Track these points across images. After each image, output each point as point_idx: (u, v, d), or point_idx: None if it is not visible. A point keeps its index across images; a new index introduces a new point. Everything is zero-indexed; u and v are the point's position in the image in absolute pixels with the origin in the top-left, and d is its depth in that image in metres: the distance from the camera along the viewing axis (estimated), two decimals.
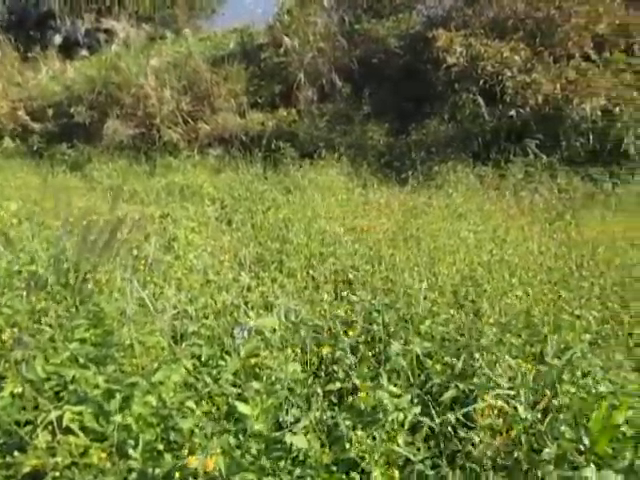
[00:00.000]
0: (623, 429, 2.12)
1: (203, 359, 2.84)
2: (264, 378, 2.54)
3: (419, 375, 2.81)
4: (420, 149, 9.99)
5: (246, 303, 3.61)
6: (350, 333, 3.08)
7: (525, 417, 2.13)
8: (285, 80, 12.75)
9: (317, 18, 12.70)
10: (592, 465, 1.87)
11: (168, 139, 12.54)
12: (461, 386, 2.54)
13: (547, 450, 2.00)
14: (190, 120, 13.06)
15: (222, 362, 2.86)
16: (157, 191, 9.05)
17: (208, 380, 2.69)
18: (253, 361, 2.73)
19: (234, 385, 2.67)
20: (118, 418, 2.39)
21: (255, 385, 2.43)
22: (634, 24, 10.50)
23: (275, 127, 12.23)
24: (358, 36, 12.16)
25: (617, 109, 9.42)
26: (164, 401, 2.57)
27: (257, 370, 2.69)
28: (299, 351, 3.02)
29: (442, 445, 2.33)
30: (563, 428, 2.12)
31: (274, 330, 3.02)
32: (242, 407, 2.34)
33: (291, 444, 2.25)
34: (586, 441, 2.02)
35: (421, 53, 10.97)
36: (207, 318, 3.35)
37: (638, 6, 11.85)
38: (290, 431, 2.23)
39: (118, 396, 2.52)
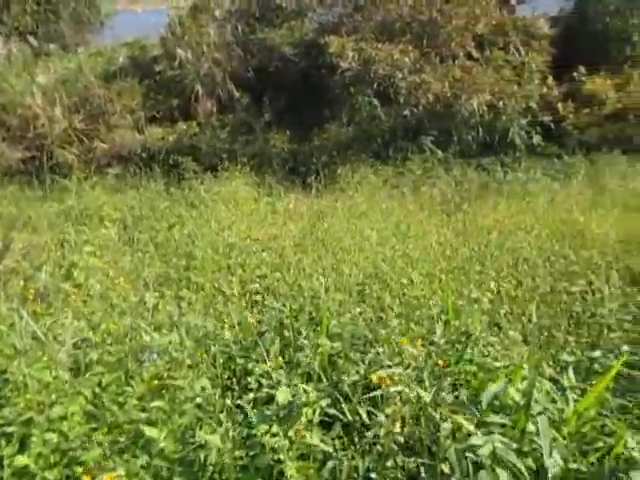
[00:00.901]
0: (517, 399, 2.25)
1: (105, 386, 2.70)
2: (171, 398, 2.46)
3: (331, 374, 2.84)
4: (323, 153, 10.17)
5: (151, 324, 3.49)
6: (262, 342, 3.07)
7: (422, 397, 2.22)
8: (182, 92, 12.49)
9: (210, 28, 12.57)
10: (479, 433, 1.97)
11: (62, 160, 11.86)
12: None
13: (444, 425, 2.10)
14: (85, 139, 12.44)
15: (128, 387, 2.74)
16: (52, 216, 8.53)
17: (114, 408, 2.57)
18: (160, 382, 2.64)
19: (142, 410, 2.57)
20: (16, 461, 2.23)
21: (159, 404, 2.34)
22: (509, 24, 11.32)
23: (176, 141, 11.95)
24: (253, 45, 12.17)
25: (501, 103, 10.08)
26: (66, 436, 2.43)
27: (164, 391, 2.60)
28: (210, 366, 2.96)
29: (355, 437, 2.37)
30: (459, 402, 2.23)
31: (182, 349, 2.94)
32: (149, 430, 2.25)
33: (205, 459, 2.20)
34: (477, 413, 2.14)
35: (316, 59, 11.16)
36: (111, 344, 3.20)
37: (511, 8, 12.82)
38: (201, 446, 2.18)
39: (14, 438, 2.35)
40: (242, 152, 10.86)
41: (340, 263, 4.33)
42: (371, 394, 2.41)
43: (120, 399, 2.68)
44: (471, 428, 2.02)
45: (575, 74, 11.57)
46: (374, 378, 2.21)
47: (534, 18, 11.94)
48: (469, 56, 10.41)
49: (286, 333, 3.23)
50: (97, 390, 2.66)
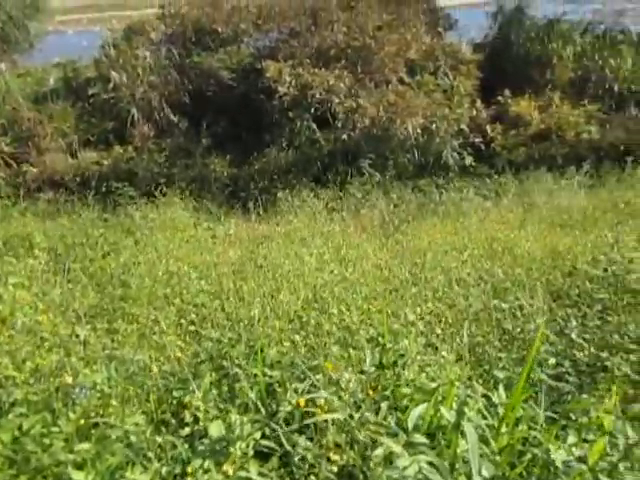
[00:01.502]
0: (448, 417, 2.31)
1: (27, 429, 2.56)
2: (100, 437, 2.36)
3: (269, 404, 2.82)
4: (263, 177, 10.20)
5: (83, 359, 3.35)
6: (198, 374, 3.01)
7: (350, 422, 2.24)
8: (118, 116, 12.24)
9: (145, 52, 12.42)
10: (406, 455, 2.01)
11: None
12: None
13: (375, 452, 2.12)
14: (13, 163, 11.93)
15: (54, 428, 2.61)
16: None
17: (38, 450, 2.44)
18: (89, 421, 2.54)
19: (70, 451, 2.45)
20: None
21: (85, 446, 2.25)
22: (438, 50, 11.83)
23: (112, 166, 11.65)
24: (189, 69, 12.11)
25: (434, 126, 10.46)
26: None
27: (94, 430, 2.50)
28: (144, 401, 2.87)
29: (293, 467, 2.35)
30: (392, 426, 2.27)
31: (113, 384, 2.84)
32: (75, 474, 2.15)
33: None
34: (404, 435, 2.17)
35: (254, 84, 11.24)
36: (36, 382, 3.05)
37: (440, 34, 13.41)
38: None
39: None
40: (181, 177, 10.73)
41: (279, 289, 4.32)
42: (306, 422, 2.41)
43: (45, 441, 2.55)
44: (398, 450, 2.05)
45: (501, 97, 12.16)
46: (301, 402, 2.21)
47: (461, 44, 12.55)
48: (402, 81, 10.78)
49: (224, 363, 3.18)
50: (17, 433, 2.52)
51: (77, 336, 3.91)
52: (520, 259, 5.14)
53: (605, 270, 3.97)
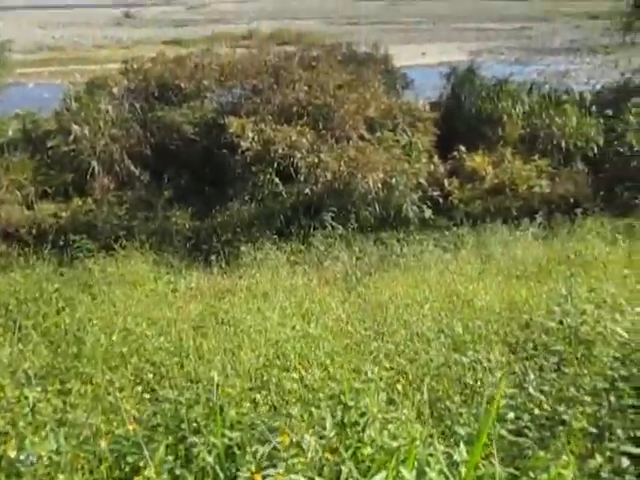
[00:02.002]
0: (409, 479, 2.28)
1: None
2: None
3: (228, 468, 2.73)
4: (226, 231, 10.19)
5: (31, 424, 3.19)
6: (155, 438, 2.90)
7: None
8: (78, 168, 12.13)
9: (107, 105, 12.48)
10: None
11: None
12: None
13: None
14: None
15: None
16: None
17: None
18: None
19: None
20: None
21: None
22: (395, 108, 12.32)
23: (70, 218, 11.44)
24: (152, 123, 12.21)
25: (394, 180, 10.76)
26: None
27: None
28: (96, 468, 2.74)
29: None
30: None
31: (63, 451, 2.71)
32: None
33: None
34: None
35: (217, 139, 11.40)
36: None
37: (397, 93, 14.00)
38: None
39: None
40: (141, 229, 10.61)
41: (241, 346, 4.26)
42: None
43: None
44: None
45: (456, 153, 12.66)
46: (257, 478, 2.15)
47: (417, 103, 13.13)
48: (362, 137, 11.14)
49: (182, 425, 3.08)
50: None
51: (26, 398, 3.73)
52: (479, 312, 5.24)
53: (560, 322, 4.08)
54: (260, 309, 5.46)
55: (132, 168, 11.79)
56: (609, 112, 13.59)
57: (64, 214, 11.62)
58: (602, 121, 13.26)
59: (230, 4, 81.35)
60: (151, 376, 3.79)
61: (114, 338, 4.92)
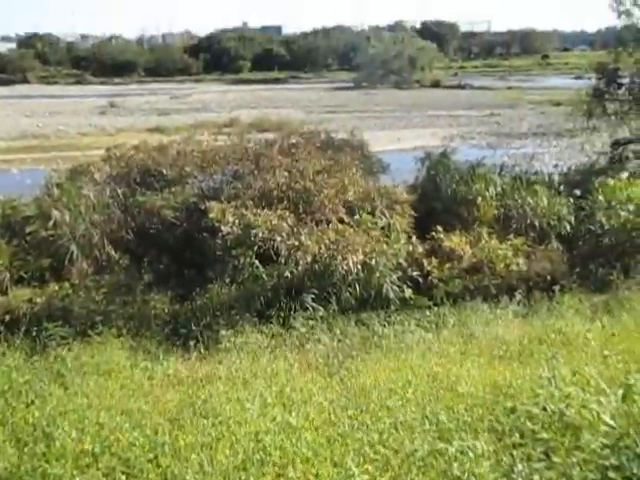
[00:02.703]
0: None
1: None
2: None
3: None
4: (205, 314, 10.06)
5: None
6: None
7: None
8: (56, 253, 12.02)
9: (89, 191, 12.61)
10: None
11: None
12: None
13: None
14: None
15: None
16: None
17: None
18: None
19: None
20: None
21: None
22: (373, 191, 12.66)
23: (46, 304, 11.19)
24: (133, 208, 12.32)
25: (373, 261, 10.86)
26: None
27: None
28: None
29: None
30: None
31: None
32: None
33: None
34: None
35: (198, 223, 11.52)
36: None
37: (375, 177, 14.47)
38: None
39: None
40: (119, 314, 10.42)
41: (219, 440, 4.09)
42: None
43: None
44: None
45: (434, 233, 12.92)
46: None
47: (394, 186, 13.55)
48: (341, 220, 11.35)
49: None
50: None
51: None
52: (463, 397, 5.15)
53: (544, 409, 4.02)
54: (239, 398, 5.29)
55: (112, 252, 11.74)
56: (577, 192, 14.17)
57: (39, 300, 11.36)
58: (572, 201, 13.79)
59: (213, 94, 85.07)
60: (123, 478, 3.58)
61: (86, 433, 4.70)
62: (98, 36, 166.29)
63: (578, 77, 60.74)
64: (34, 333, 9.75)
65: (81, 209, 12.16)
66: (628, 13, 19.50)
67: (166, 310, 10.68)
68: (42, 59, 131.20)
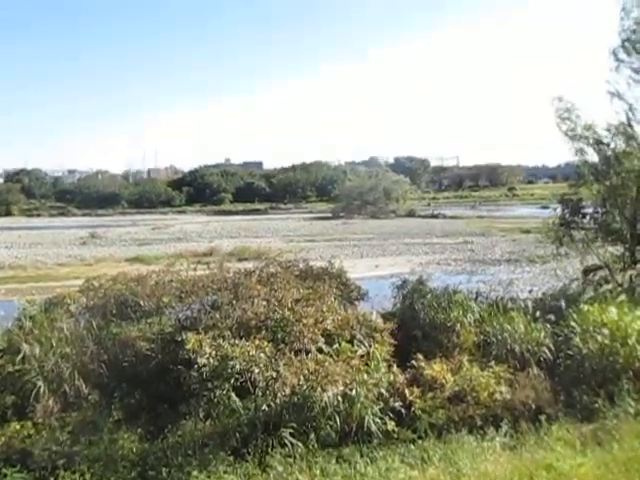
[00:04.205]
0: None
1: None
2: None
3: None
4: (177, 454, 9.47)
5: None
6: None
7: None
8: (21, 389, 11.47)
9: (63, 323, 12.39)
10: None
11: None
12: None
13: None
14: None
15: None
16: None
17: None
18: None
19: None
20: None
21: None
22: (352, 319, 12.67)
23: (4, 446, 10.45)
24: (107, 340, 12.06)
25: (354, 392, 10.55)
26: None
27: None
28: None
29: None
30: None
31: None
32: None
33: None
34: None
35: (173, 354, 11.27)
36: None
37: (353, 305, 14.55)
38: None
39: None
40: (83, 455, 9.74)
41: None
42: None
43: None
44: None
45: (415, 362, 12.74)
46: None
47: (373, 314, 13.60)
48: (320, 350, 11.23)
49: None
50: None
51: None
52: None
53: None
54: None
55: (82, 387, 11.23)
56: (552, 317, 14.35)
57: None
58: (548, 326, 13.90)
59: (194, 224, 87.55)
60: None
61: None
62: (85, 171, 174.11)
63: (544, 207, 64.46)
64: None
65: (52, 342, 11.86)
66: (582, 151, 21.26)
67: (135, 450, 10.02)
68: (27, 193, 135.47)
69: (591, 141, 20.91)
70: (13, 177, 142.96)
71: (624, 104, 20.10)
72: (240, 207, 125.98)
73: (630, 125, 20.29)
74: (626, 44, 19.80)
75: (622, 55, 19.93)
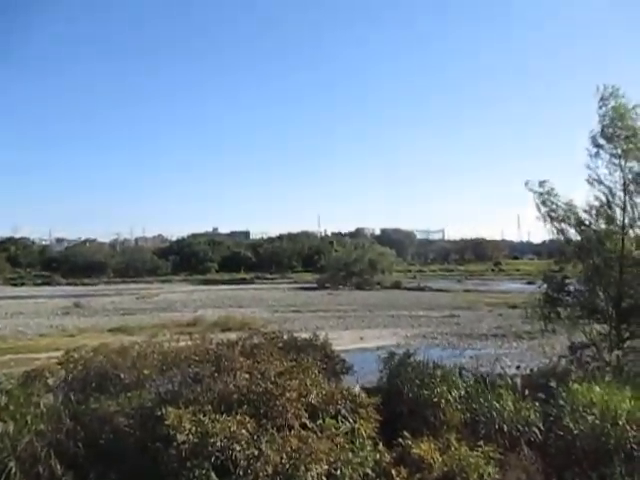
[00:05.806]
0: None
1: None
2: None
3: None
4: None
5: None
6: None
7: None
8: None
9: (40, 398, 11.99)
10: None
11: None
12: None
13: None
14: None
15: None
16: None
17: None
18: None
19: None
20: None
21: None
22: (337, 394, 12.40)
23: None
24: (85, 416, 11.64)
25: (338, 472, 10.19)
26: None
27: None
28: None
29: None
30: None
31: None
32: None
33: None
34: None
35: (152, 430, 10.86)
36: None
37: (338, 379, 14.31)
38: None
39: None
40: None
41: None
42: None
43: None
44: None
45: (401, 439, 12.38)
46: None
47: (358, 388, 13.35)
48: (304, 425, 10.91)
49: None
50: None
51: None
52: None
53: None
54: None
55: (56, 468, 10.70)
56: (542, 395, 14.14)
57: None
58: (537, 404, 13.67)
59: (179, 294, 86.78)
60: None
61: None
62: (73, 239, 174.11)
63: (530, 282, 65.02)
64: None
65: (28, 419, 11.40)
66: (564, 232, 21.89)
67: None
68: (13, 261, 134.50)
69: (572, 222, 21.55)
70: (0, 246, 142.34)
71: (604, 188, 20.88)
72: (226, 276, 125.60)
73: (610, 207, 20.97)
74: (605, 130, 20.80)
75: (602, 141, 20.91)
